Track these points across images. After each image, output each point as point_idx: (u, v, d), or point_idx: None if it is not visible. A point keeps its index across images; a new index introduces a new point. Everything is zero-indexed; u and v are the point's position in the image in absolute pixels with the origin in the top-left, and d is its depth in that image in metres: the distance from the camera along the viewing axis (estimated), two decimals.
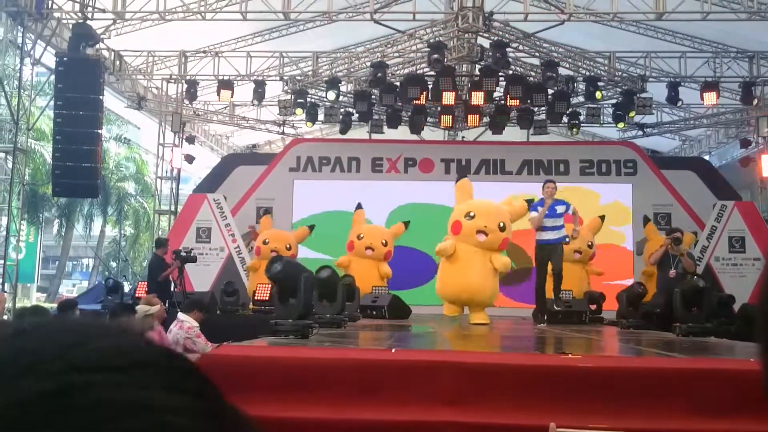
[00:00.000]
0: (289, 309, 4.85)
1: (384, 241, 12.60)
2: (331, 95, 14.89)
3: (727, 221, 14.83)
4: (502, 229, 9.04)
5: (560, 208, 9.08)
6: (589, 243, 12.46)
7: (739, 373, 3.59)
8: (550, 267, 9.07)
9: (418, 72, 14.67)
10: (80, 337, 0.41)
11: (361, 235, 12.59)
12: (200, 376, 0.42)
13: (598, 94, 14.60)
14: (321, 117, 16.39)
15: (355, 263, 12.26)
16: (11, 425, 0.35)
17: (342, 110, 16.19)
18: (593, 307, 10.70)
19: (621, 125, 16.02)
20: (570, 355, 3.94)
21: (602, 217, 13.37)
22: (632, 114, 15.35)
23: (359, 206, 13.26)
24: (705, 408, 3.41)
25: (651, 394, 3.44)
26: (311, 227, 14.01)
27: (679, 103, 15.13)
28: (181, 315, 7.37)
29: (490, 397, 3.43)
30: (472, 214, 9.05)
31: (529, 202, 9.46)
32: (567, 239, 9.38)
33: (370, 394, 3.40)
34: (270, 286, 8.75)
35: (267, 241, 13.28)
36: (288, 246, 13.27)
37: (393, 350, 3.82)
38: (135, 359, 0.41)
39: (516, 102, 14.62)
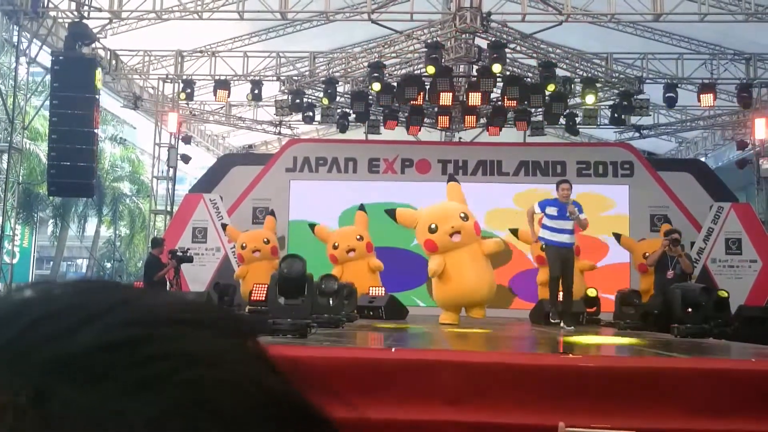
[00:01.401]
0: (289, 308, 4.82)
1: (358, 236, 12.49)
2: (326, 101, 14.88)
3: (723, 223, 14.85)
4: (466, 218, 8.98)
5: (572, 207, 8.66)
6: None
7: (740, 374, 3.58)
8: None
9: (415, 72, 14.66)
10: (131, 294, 0.40)
11: (336, 244, 12.49)
12: (257, 338, 0.41)
13: (592, 98, 14.59)
14: (318, 117, 16.36)
15: (346, 270, 12.11)
16: (70, 378, 0.34)
17: (339, 111, 16.17)
18: (592, 309, 10.70)
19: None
20: (570, 355, 3.92)
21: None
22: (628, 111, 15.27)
23: (362, 207, 13.11)
24: (706, 408, 3.40)
25: (653, 394, 3.43)
26: (272, 212, 14.05)
27: (675, 103, 15.09)
28: None
29: (489, 396, 3.41)
30: (434, 225, 8.98)
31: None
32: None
33: (369, 393, 3.37)
34: (266, 286, 8.71)
35: (244, 245, 13.25)
36: (266, 240, 13.27)
37: (393, 349, 3.79)
38: (194, 314, 0.40)
39: (513, 103, 14.62)
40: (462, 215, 8.97)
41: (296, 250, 13.47)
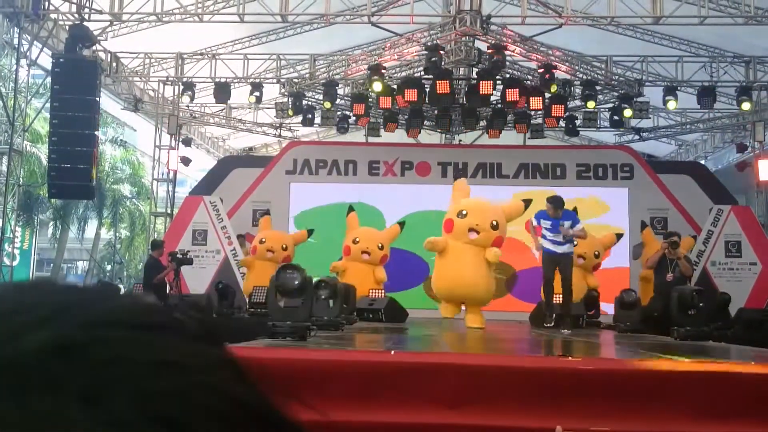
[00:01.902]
0: (289, 311, 4.82)
1: (380, 245, 12.48)
2: (328, 104, 14.90)
3: (723, 226, 14.85)
4: (495, 227, 8.96)
5: (566, 224, 8.75)
6: (596, 252, 12.04)
7: (740, 377, 3.58)
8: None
9: (415, 75, 14.67)
10: (89, 295, 0.38)
11: (357, 239, 12.44)
12: (222, 343, 0.39)
13: (591, 104, 14.63)
14: (318, 120, 16.37)
15: (351, 268, 12.14)
16: (25, 380, 0.31)
17: (339, 113, 16.18)
18: (591, 312, 10.69)
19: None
20: (569, 358, 3.92)
21: (619, 236, 13.28)
22: (628, 114, 15.25)
23: (351, 209, 13.12)
24: (706, 411, 3.40)
25: (653, 397, 3.43)
26: (310, 231, 13.96)
27: (673, 106, 15.06)
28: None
29: (490, 399, 3.41)
30: (464, 212, 9.00)
31: (527, 202, 9.33)
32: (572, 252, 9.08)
33: (369, 396, 3.37)
34: (266, 288, 8.72)
35: (264, 240, 13.24)
36: (284, 246, 13.22)
37: (392, 352, 3.79)
38: (159, 319, 0.37)
39: (513, 105, 14.62)
40: (494, 222, 8.93)
41: (298, 252, 13.65)
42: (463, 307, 9.29)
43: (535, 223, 8.83)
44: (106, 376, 0.32)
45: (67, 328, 0.34)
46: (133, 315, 0.37)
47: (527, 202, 9.31)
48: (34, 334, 0.33)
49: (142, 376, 0.33)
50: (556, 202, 8.85)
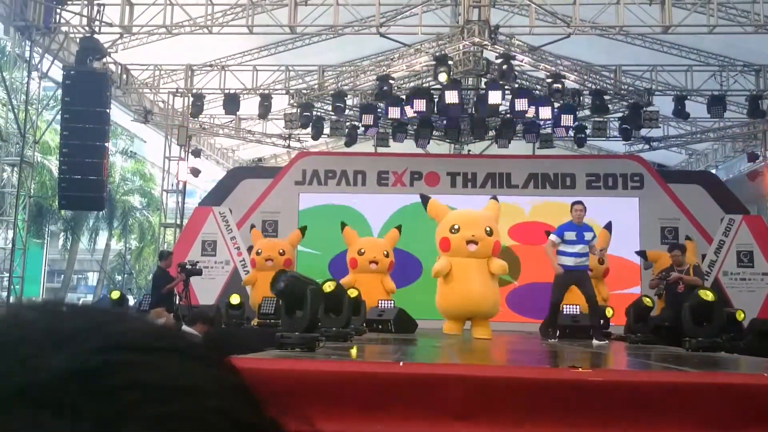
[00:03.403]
0: (296, 322, 4.81)
1: (385, 252, 12.47)
2: (338, 111, 14.94)
3: (735, 235, 14.75)
4: (490, 233, 8.95)
5: (588, 235, 8.48)
6: (600, 259, 12.12)
7: (752, 388, 3.53)
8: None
9: (423, 85, 14.69)
10: (103, 318, 0.38)
11: (362, 250, 12.40)
12: (233, 366, 0.40)
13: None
14: (327, 130, 16.41)
15: (360, 279, 12.11)
16: (42, 405, 0.32)
17: (348, 124, 16.21)
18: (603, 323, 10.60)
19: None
20: (580, 369, 3.88)
21: (642, 254, 13.23)
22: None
23: (344, 225, 12.98)
24: (717, 423, 3.36)
25: (664, 409, 3.39)
26: (303, 229, 13.96)
27: (686, 116, 15.05)
28: (185, 328, 7.33)
29: (499, 411, 3.38)
30: (456, 226, 8.98)
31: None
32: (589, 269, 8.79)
33: (377, 407, 3.35)
34: (275, 299, 8.72)
35: (260, 251, 13.23)
36: (281, 251, 13.21)
37: (401, 363, 3.77)
38: (171, 343, 0.38)
39: (522, 115, 14.61)
40: (487, 229, 8.94)
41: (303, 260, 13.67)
42: (468, 323, 9.25)
43: (555, 239, 8.45)
44: (121, 401, 0.33)
45: (81, 353, 0.34)
46: (145, 338, 0.38)
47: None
48: (50, 360, 0.34)
49: (155, 401, 0.34)
50: (582, 202, 8.63)
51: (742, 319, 9.98)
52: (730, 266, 14.66)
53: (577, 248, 8.39)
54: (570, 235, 8.40)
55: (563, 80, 13.87)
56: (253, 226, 14.55)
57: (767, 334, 9.99)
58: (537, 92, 14.69)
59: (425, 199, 9.73)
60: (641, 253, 13.40)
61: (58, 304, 0.39)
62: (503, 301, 13.91)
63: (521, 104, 14.10)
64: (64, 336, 0.35)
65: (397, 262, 12.88)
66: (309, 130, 15.96)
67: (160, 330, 0.39)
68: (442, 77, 12.97)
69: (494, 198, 10.01)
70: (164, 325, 0.41)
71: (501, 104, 14.33)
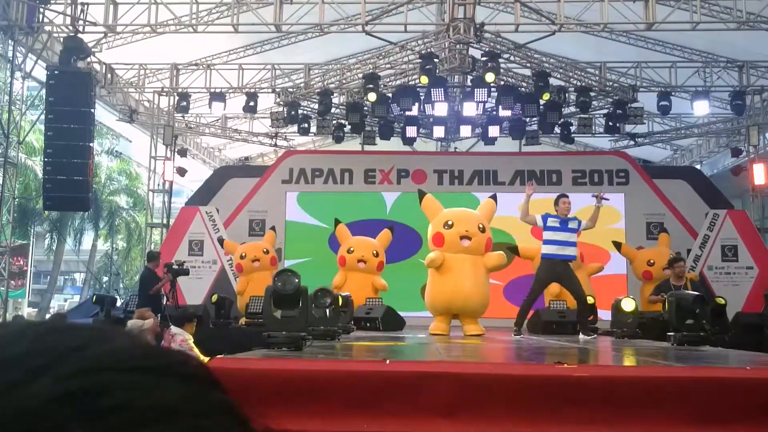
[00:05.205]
0: (286, 321, 4.80)
1: (375, 252, 12.46)
2: (323, 109, 14.92)
3: (719, 230, 14.89)
4: (482, 230, 9.01)
5: (573, 224, 8.37)
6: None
7: (737, 382, 3.57)
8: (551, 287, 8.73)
9: (410, 83, 14.70)
10: (86, 337, 0.37)
11: (352, 249, 12.40)
12: (219, 383, 0.39)
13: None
14: (313, 129, 16.38)
15: (348, 277, 12.11)
16: (25, 430, 0.32)
17: (334, 122, 16.19)
18: (590, 318, 10.65)
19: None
20: (566, 365, 3.90)
21: (617, 245, 13.31)
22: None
23: (338, 222, 12.97)
24: (703, 417, 3.39)
25: (650, 403, 3.42)
26: (273, 227, 14.31)
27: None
28: (174, 329, 7.32)
29: (485, 408, 3.40)
30: (450, 222, 9.03)
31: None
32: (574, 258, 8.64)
33: (364, 406, 3.36)
34: (263, 297, 8.68)
35: (244, 255, 13.22)
36: (265, 250, 13.26)
37: (387, 361, 3.78)
38: (158, 362, 0.38)
39: (508, 112, 14.66)
40: (480, 226, 8.99)
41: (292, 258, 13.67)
42: (455, 321, 9.25)
43: (539, 222, 8.39)
44: (109, 424, 0.33)
45: (68, 375, 0.34)
46: (132, 358, 0.37)
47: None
48: (37, 382, 0.33)
49: (143, 423, 0.33)
50: (567, 195, 8.54)
51: (723, 304, 10.07)
52: (715, 260, 14.80)
53: (560, 236, 8.29)
54: (553, 222, 8.33)
55: (548, 77, 13.93)
56: (221, 240, 14.40)
57: (752, 327, 10.09)
58: (523, 89, 14.74)
59: (422, 194, 9.78)
60: (617, 245, 13.46)
61: (40, 324, 0.38)
62: (500, 294, 14.02)
63: (507, 101, 14.16)
64: (48, 359, 0.35)
65: (396, 236, 12.94)
66: (295, 128, 15.94)
67: (146, 348, 0.38)
68: (424, 80, 13.05)
69: (493, 197, 9.95)
70: (149, 343, 0.40)
71: (487, 101, 14.38)
